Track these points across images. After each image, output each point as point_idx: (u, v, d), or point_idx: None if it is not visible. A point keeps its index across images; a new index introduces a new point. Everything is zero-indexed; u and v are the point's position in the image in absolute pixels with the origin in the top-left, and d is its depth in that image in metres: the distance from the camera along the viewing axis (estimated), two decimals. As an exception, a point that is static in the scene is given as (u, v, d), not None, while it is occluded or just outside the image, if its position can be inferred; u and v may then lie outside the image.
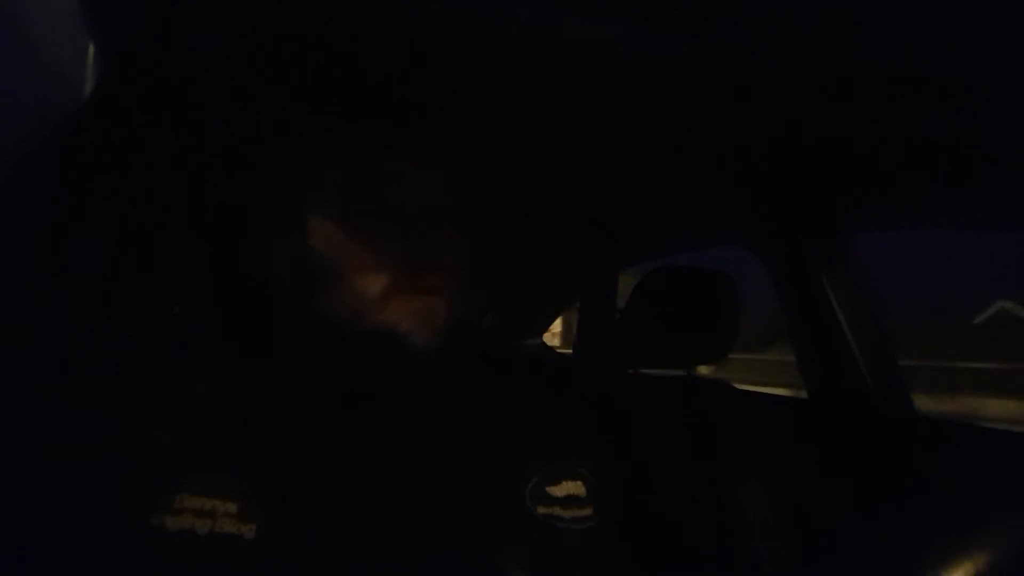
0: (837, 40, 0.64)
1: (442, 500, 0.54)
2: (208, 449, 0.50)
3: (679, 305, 1.13)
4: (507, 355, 0.89)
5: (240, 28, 0.63)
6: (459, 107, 0.63)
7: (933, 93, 0.74)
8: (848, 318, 1.15)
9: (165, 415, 0.51)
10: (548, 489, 0.58)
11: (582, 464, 0.62)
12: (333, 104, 0.58)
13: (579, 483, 0.60)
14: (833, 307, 1.16)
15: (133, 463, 0.48)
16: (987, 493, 0.44)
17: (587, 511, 0.59)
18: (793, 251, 1.22)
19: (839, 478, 1.03)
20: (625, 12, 0.59)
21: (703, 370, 1.28)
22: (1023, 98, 0.74)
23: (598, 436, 0.67)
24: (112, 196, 0.68)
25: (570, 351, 2.52)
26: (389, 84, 0.61)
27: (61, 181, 0.63)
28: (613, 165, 1.07)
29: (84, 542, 0.45)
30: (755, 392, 1.46)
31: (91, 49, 0.56)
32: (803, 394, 1.26)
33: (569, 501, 0.59)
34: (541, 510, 0.57)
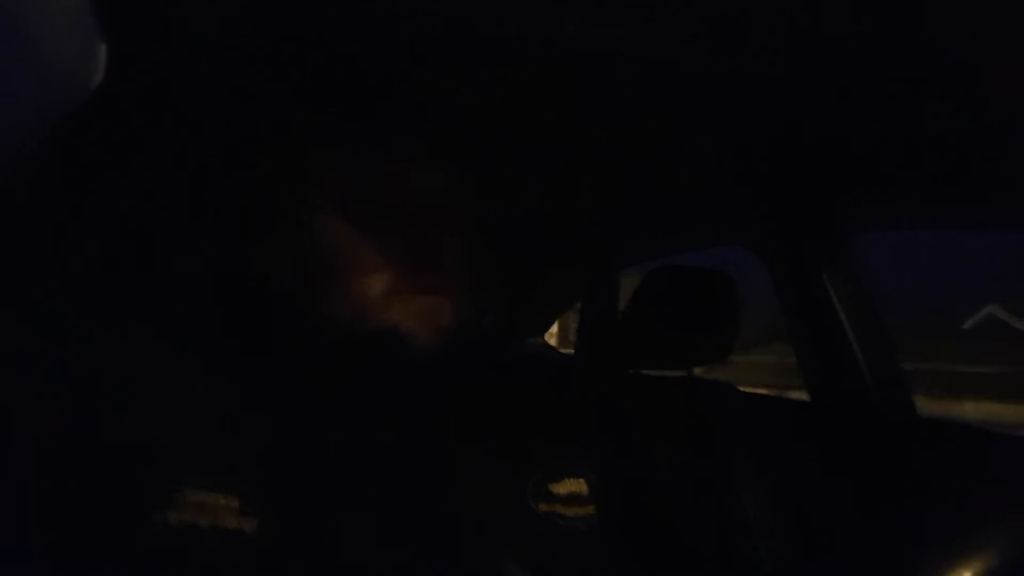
0: (837, 40, 0.64)
1: (443, 499, 0.54)
2: (208, 447, 0.50)
3: (679, 305, 1.13)
4: (508, 355, 0.89)
5: (240, 28, 0.63)
6: (459, 107, 0.63)
7: (933, 93, 0.74)
8: (848, 318, 1.15)
9: (165, 415, 0.51)
10: (550, 487, 0.58)
11: (583, 464, 0.62)
12: (333, 104, 0.58)
13: (581, 481, 0.60)
14: (833, 307, 1.16)
15: (133, 463, 0.48)
16: (987, 493, 0.44)
17: (589, 510, 0.59)
18: (793, 251, 1.22)
19: (839, 478, 1.03)
20: (625, 12, 0.59)
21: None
22: (1023, 98, 0.74)
23: (599, 436, 0.67)
24: (112, 196, 0.68)
25: (567, 352, 2.52)
26: (389, 84, 0.61)
27: (61, 181, 0.63)
28: (613, 165, 1.07)
29: (84, 542, 0.45)
30: (755, 393, 1.46)
31: (91, 48, 0.56)
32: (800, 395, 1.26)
33: (571, 499, 0.59)
34: (543, 508, 0.57)
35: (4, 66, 0.52)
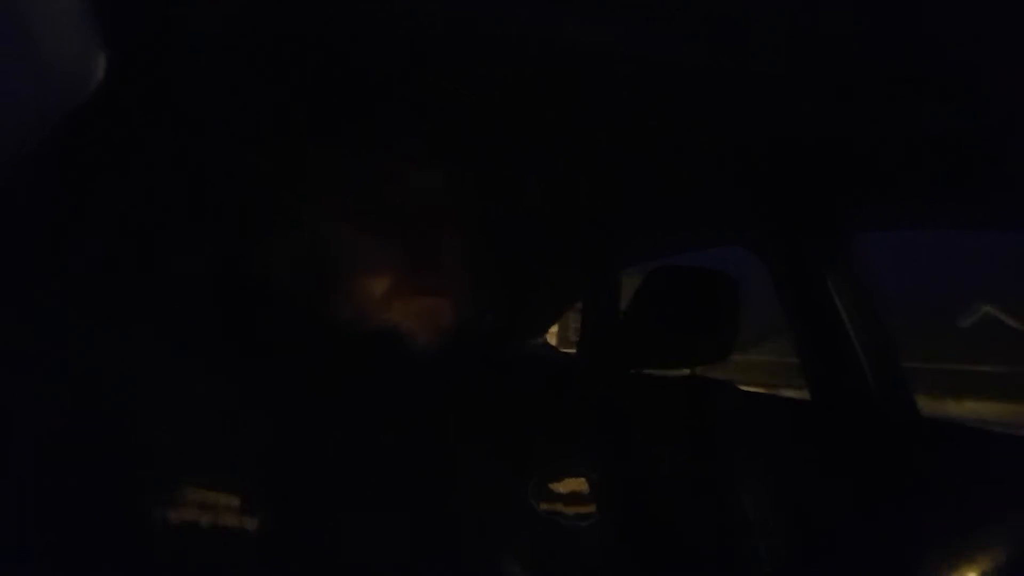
0: (837, 40, 0.64)
1: (443, 499, 0.54)
2: (208, 447, 0.50)
3: (680, 305, 1.13)
4: (508, 355, 0.89)
5: (240, 28, 0.63)
6: (459, 107, 0.63)
7: (933, 93, 0.74)
8: (849, 318, 1.15)
9: (165, 415, 0.51)
10: (551, 486, 0.58)
11: (584, 464, 0.62)
12: (333, 104, 0.58)
13: (581, 481, 0.60)
14: (834, 307, 1.16)
15: (133, 462, 0.48)
16: (987, 493, 0.44)
17: (589, 509, 0.59)
18: (793, 251, 1.22)
19: (839, 478, 1.03)
20: (625, 12, 0.59)
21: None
22: (1023, 98, 0.74)
23: (599, 436, 0.67)
24: (112, 196, 0.68)
25: (567, 352, 2.52)
26: (389, 84, 0.61)
27: (61, 181, 0.63)
28: (613, 165, 1.07)
29: (84, 542, 0.45)
30: (756, 393, 1.46)
31: (91, 48, 0.56)
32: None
33: (571, 499, 0.59)
34: (544, 507, 0.57)
35: (4, 66, 0.52)
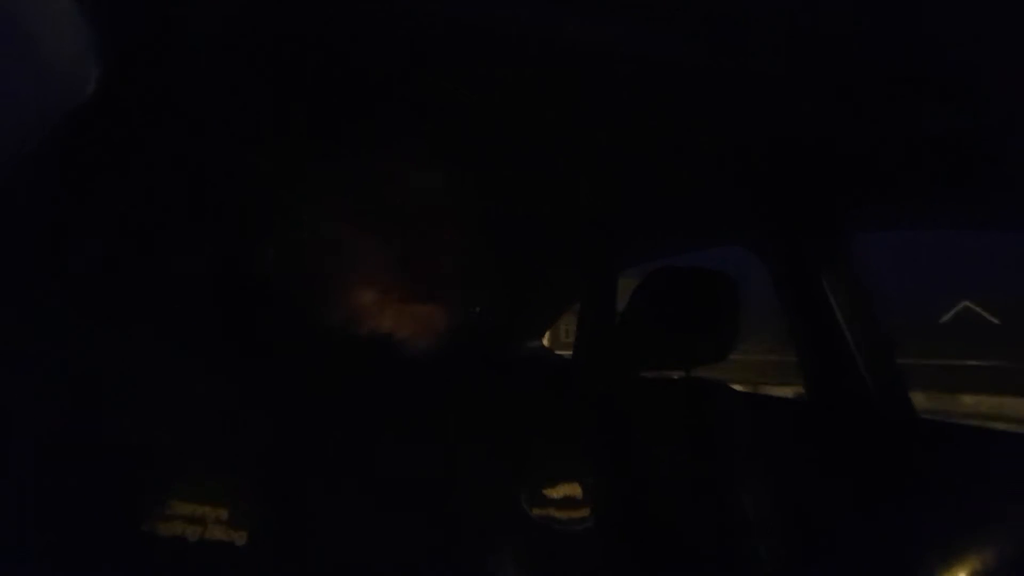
0: (837, 40, 0.64)
1: (442, 500, 0.54)
2: (204, 451, 0.50)
3: (679, 306, 1.13)
4: (507, 356, 0.89)
5: (240, 28, 0.63)
6: (459, 107, 0.63)
7: (933, 93, 0.74)
8: (848, 318, 1.15)
9: (165, 415, 0.51)
10: (544, 492, 0.58)
11: (583, 464, 0.61)
12: (333, 104, 0.58)
13: (576, 485, 0.60)
14: (833, 307, 1.16)
15: (133, 463, 0.48)
16: (987, 493, 0.44)
17: (584, 512, 0.59)
18: (793, 251, 1.22)
19: (839, 478, 1.03)
20: (625, 12, 0.59)
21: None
22: (1023, 98, 0.74)
23: (599, 436, 0.67)
24: (112, 196, 0.68)
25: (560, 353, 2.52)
26: (389, 84, 0.61)
27: (61, 181, 0.63)
28: (613, 165, 1.07)
29: (84, 542, 0.45)
30: (756, 393, 1.46)
31: (91, 48, 0.56)
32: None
33: (565, 503, 0.59)
34: (536, 512, 0.57)
35: (4, 66, 0.52)
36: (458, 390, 0.59)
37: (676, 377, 1.18)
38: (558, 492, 0.59)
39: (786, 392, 1.64)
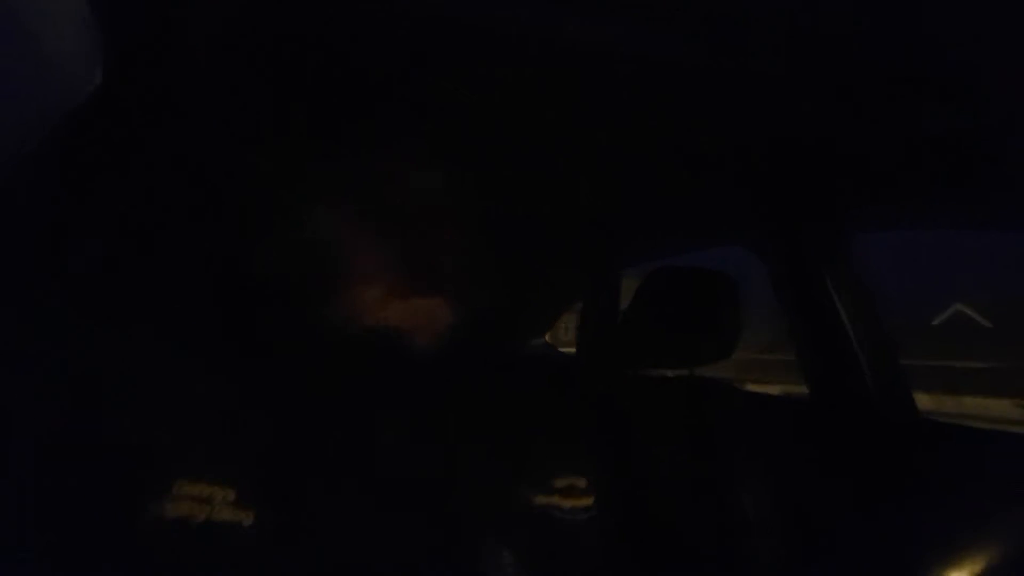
0: (837, 40, 0.64)
1: (443, 499, 0.54)
2: (208, 447, 0.50)
3: (680, 305, 1.13)
4: (509, 355, 0.89)
5: (240, 28, 0.63)
6: (459, 107, 0.63)
7: (933, 93, 0.74)
8: (848, 318, 1.15)
9: (165, 415, 0.51)
10: (550, 487, 0.58)
11: (583, 464, 0.62)
12: (333, 104, 0.58)
13: (581, 481, 0.60)
14: (834, 307, 1.16)
15: (133, 463, 0.48)
16: (987, 493, 0.44)
17: (589, 510, 0.59)
18: (793, 251, 1.22)
19: (839, 478, 1.03)
20: (625, 12, 0.59)
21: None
22: (1023, 98, 0.74)
23: (599, 436, 0.67)
24: (112, 196, 0.68)
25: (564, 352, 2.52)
26: (389, 84, 0.61)
27: (61, 181, 0.63)
28: (613, 165, 1.07)
29: (84, 542, 0.45)
30: (756, 392, 1.46)
31: (92, 48, 0.56)
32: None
33: (571, 499, 0.59)
34: (543, 508, 0.57)
35: (5, 65, 0.52)
36: (459, 390, 0.59)
37: (677, 376, 1.18)
38: (564, 488, 0.59)
39: (786, 392, 1.64)
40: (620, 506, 0.62)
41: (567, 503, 0.59)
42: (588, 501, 0.60)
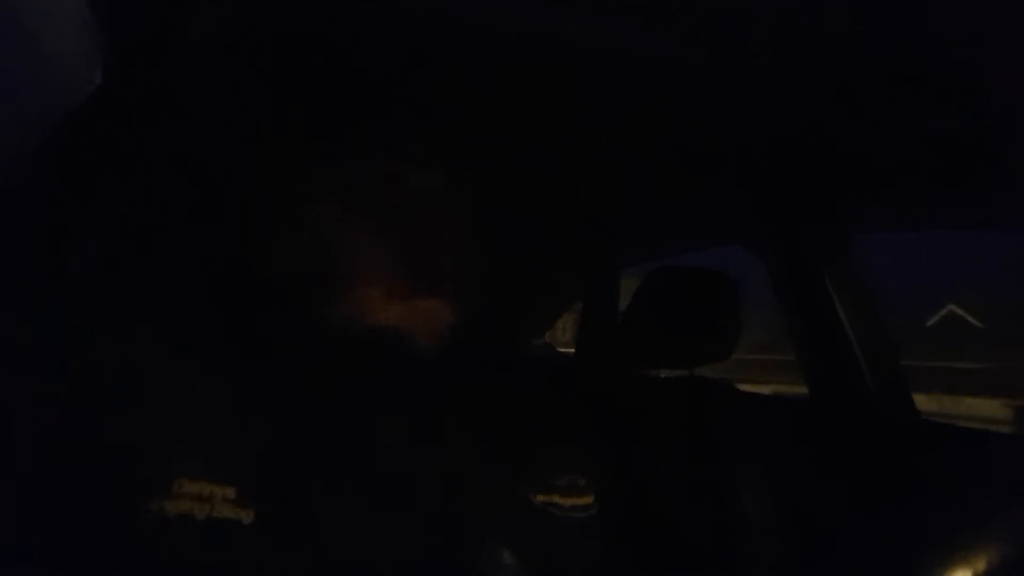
0: (837, 40, 0.64)
1: (443, 499, 0.54)
2: (208, 447, 0.50)
3: (680, 305, 1.13)
4: (509, 355, 0.89)
5: (240, 28, 0.63)
6: (459, 107, 0.63)
7: (933, 93, 0.74)
8: (848, 318, 1.15)
9: (165, 415, 0.51)
10: (550, 487, 0.58)
11: (583, 464, 0.62)
12: (333, 104, 0.58)
13: (581, 481, 0.60)
14: (833, 307, 1.16)
15: (133, 462, 0.48)
16: (987, 493, 0.44)
17: (589, 510, 0.59)
18: (793, 251, 1.22)
19: (839, 478, 1.03)
20: (625, 12, 0.59)
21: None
22: (1023, 98, 0.74)
23: (599, 436, 0.67)
24: (112, 196, 0.68)
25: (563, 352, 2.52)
26: (389, 84, 0.61)
27: (61, 181, 0.63)
28: (613, 165, 1.07)
29: (84, 542, 0.45)
30: (756, 393, 1.46)
31: (92, 48, 0.56)
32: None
33: (571, 499, 0.59)
34: (543, 508, 0.57)
35: (5, 65, 0.52)
36: (458, 389, 0.59)
37: (677, 376, 1.18)
38: (564, 488, 0.59)
39: (786, 392, 1.64)
40: (620, 506, 0.62)
41: (567, 503, 0.59)
42: (588, 501, 0.60)
